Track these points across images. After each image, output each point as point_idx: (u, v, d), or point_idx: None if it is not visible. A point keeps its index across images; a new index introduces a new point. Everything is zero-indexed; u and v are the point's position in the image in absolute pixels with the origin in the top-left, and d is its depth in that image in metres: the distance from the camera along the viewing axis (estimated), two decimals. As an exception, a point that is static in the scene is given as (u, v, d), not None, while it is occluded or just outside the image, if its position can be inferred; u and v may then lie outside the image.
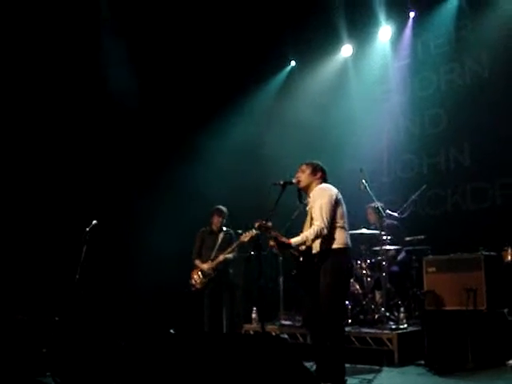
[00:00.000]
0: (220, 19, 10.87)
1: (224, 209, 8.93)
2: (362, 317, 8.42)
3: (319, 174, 6.30)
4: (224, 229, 8.89)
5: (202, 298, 8.68)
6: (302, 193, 6.39)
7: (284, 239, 5.93)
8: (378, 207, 8.27)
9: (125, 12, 10.54)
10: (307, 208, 6.32)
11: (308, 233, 5.94)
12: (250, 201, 10.34)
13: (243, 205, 10.09)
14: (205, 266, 8.62)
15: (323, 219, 5.91)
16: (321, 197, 6.04)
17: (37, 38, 9.87)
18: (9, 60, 9.74)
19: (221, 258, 8.54)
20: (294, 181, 6.23)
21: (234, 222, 9.01)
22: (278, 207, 5.95)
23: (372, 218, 9.05)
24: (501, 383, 6.24)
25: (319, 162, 6.40)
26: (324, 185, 6.22)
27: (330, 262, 5.97)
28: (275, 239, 5.91)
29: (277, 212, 5.97)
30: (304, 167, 6.31)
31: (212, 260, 8.62)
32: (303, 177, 6.27)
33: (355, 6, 10.61)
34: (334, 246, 5.98)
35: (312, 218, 6.07)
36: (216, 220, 8.85)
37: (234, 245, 8.51)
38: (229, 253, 8.57)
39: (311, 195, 6.20)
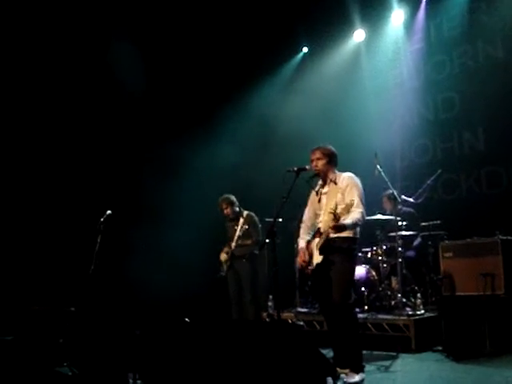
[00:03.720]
0: (232, 5, 10.78)
1: (230, 196, 8.61)
2: (378, 303, 8.39)
3: (334, 162, 6.31)
4: (245, 213, 8.60)
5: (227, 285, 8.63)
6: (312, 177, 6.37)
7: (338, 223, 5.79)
8: (392, 193, 8.21)
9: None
10: (318, 190, 6.34)
11: (357, 217, 5.87)
12: (265, 188, 10.32)
13: (261, 190, 10.10)
14: (221, 258, 8.56)
15: (364, 207, 6.00)
16: (356, 186, 6.10)
17: (45, 28, 9.84)
18: (19, 49, 9.75)
19: (226, 252, 8.48)
20: (307, 167, 6.18)
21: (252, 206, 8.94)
22: (292, 194, 5.89)
23: (388, 206, 8.97)
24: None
25: (331, 147, 6.36)
26: (351, 173, 6.24)
27: (342, 249, 6.00)
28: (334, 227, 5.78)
29: (291, 198, 5.90)
30: (319, 155, 6.24)
31: (227, 251, 8.54)
32: (320, 165, 6.23)
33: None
34: (346, 234, 5.99)
35: (335, 204, 5.96)
36: (227, 211, 8.58)
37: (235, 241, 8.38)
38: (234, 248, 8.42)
39: (338, 181, 6.16)
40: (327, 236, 5.92)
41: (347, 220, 5.80)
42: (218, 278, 8.59)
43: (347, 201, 5.85)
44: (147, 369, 5.83)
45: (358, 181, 6.18)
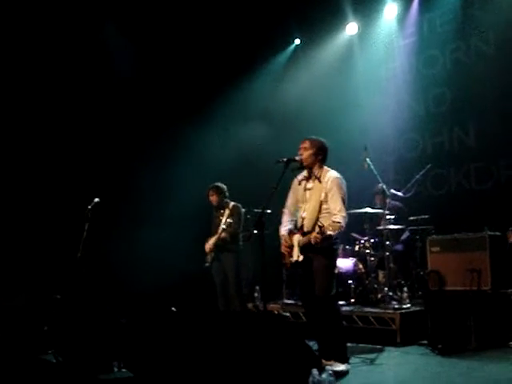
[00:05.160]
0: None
1: (219, 185, 8.50)
2: (364, 296, 8.40)
3: (321, 156, 6.25)
4: (231, 204, 8.46)
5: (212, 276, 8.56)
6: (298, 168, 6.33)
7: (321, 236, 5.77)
8: (382, 187, 8.23)
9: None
10: (301, 181, 6.33)
11: (340, 224, 5.82)
12: (252, 180, 10.31)
13: (249, 183, 10.09)
14: (206, 248, 8.47)
15: (345, 210, 6.02)
16: (340, 188, 6.09)
17: (32, 15, 9.77)
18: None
19: (211, 241, 8.39)
20: (297, 158, 6.15)
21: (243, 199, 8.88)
22: (281, 184, 5.86)
23: (379, 200, 8.95)
24: (503, 364, 6.19)
25: (323, 141, 6.32)
26: (335, 172, 6.21)
27: (326, 244, 5.95)
28: (320, 235, 5.76)
29: (280, 189, 5.87)
30: (307, 144, 6.20)
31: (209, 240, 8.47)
32: (306, 155, 6.18)
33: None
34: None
35: (319, 203, 6.06)
36: (213, 198, 8.47)
37: (222, 230, 8.24)
38: (217, 237, 8.28)
39: (323, 179, 6.13)
40: (309, 241, 5.91)
41: (332, 231, 5.79)
42: (203, 268, 8.55)
43: (331, 205, 6.00)
44: (132, 357, 5.82)
45: (342, 181, 6.16)
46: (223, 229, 8.21)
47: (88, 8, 10.09)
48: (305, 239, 6.00)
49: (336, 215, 5.92)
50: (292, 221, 6.42)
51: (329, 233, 5.73)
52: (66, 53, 10.18)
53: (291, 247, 6.20)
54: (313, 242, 5.81)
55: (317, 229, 5.79)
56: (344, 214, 5.96)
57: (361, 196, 8.60)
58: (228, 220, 8.19)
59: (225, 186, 8.54)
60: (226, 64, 11.42)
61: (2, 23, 9.54)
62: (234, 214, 8.36)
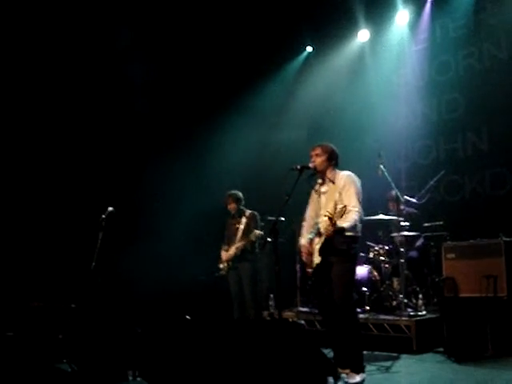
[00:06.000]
0: (237, 4, 10.76)
1: (238, 193, 8.61)
2: (379, 303, 8.36)
3: (334, 160, 6.26)
4: (248, 212, 8.57)
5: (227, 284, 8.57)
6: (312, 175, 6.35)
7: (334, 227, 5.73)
8: (396, 194, 8.19)
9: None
10: (318, 189, 6.33)
11: (354, 217, 5.86)
12: (266, 188, 10.31)
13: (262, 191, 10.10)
14: (223, 256, 8.50)
15: (360, 206, 5.99)
16: (353, 184, 6.08)
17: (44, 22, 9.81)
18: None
19: (231, 251, 8.43)
20: (311, 165, 6.16)
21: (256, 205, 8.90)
22: (295, 192, 5.86)
23: (393, 207, 8.92)
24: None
25: (333, 146, 6.33)
26: (349, 172, 6.21)
27: (341, 250, 5.97)
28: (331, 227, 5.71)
29: (294, 197, 5.86)
30: (319, 151, 6.21)
31: (228, 250, 8.48)
32: (319, 161, 6.19)
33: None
34: (349, 233, 5.95)
35: (334, 204, 5.96)
36: (231, 207, 8.56)
37: (242, 241, 8.28)
38: (238, 246, 8.33)
39: (336, 181, 6.14)
40: (326, 238, 5.89)
41: (345, 223, 5.79)
42: (215, 276, 8.57)
43: (345, 201, 5.90)
44: (147, 366, 5.81)
45: (355, 179, 6.16)
46: (248, 240, 8.24)
47: (101, 14, 10.11)
48: (321, 239, 5.97)
49: (351, 211, 5.87)
50: (311, 232, 6.39)
51: (342, 225, 5.72)
52: (78, 59, 10.22)
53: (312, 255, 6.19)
54: (324, 233, 5.79)
55: (328, 221, 5.72)
56: (358, 209, 5.92)
57: (375, 203, 8.58)
58: (257, 231, 8.19)
59: (240, 194, 8.60)
60: (238, 71, 11.44)
61: (10, 27, 9.60)
62: (251, 222, 8.43)
